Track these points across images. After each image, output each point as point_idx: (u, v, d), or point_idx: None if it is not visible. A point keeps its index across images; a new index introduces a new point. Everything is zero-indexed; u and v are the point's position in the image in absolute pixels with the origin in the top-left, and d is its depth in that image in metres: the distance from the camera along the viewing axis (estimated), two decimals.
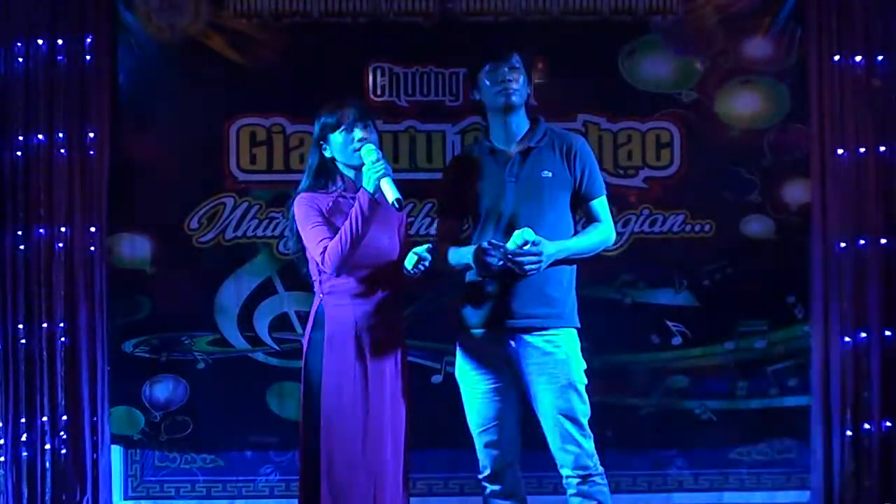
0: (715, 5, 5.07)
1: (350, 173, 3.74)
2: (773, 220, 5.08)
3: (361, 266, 3.69)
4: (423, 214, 5.00)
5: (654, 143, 5.10)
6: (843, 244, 4.99)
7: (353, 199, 3.65)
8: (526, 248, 3.54)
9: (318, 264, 3.69)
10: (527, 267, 3.57)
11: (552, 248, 3.61)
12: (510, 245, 3.55)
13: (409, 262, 3.64)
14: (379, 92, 5.08)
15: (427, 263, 3.63)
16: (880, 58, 5.00)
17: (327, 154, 3.77)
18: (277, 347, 5.09)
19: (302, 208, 3.72)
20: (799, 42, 5.06)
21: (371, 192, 3.57)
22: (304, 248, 3.76)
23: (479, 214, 3.76)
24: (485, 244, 3.60)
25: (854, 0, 5.01)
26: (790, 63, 5.07)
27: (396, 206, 3.53)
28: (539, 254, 3.57)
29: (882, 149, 5.01)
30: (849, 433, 4.99)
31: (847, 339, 5.00)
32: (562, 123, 4.75)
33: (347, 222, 3.59)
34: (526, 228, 3.55)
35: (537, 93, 4.93)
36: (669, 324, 5.08)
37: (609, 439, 4.74)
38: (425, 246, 3.63)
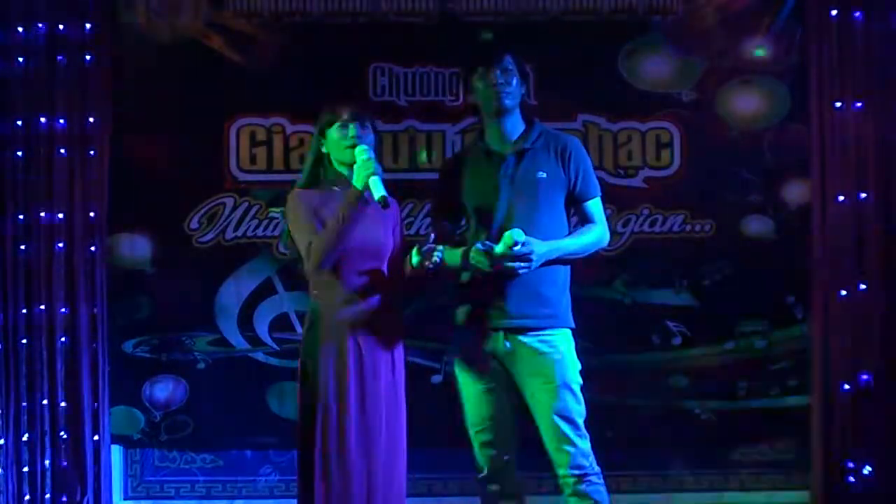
0: (715, 5, 5.07)
1: (344, 170, 3.76)
2: (773, 220, 5.08)
3: (355, 264, 3.70)
4: (423, 214, 5.00)
5: (654, 143, 5.10)
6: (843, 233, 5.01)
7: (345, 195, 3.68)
8: (516, 248, 3.55)
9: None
10: (516, 265, 3.58)
11: (543, 248, 3.62)
12: (500, 246, 3.56)
13: (415, 259, 3.64)
14: (379, 92, 5.08)
15: (439, 255, 3.61)
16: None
17: (324, 149, 3.80)
18: (277, 347, 5.09)
19: (293, 204, 3.76)
20: (799, 42, 5.06)
21: (360, 189, 3.60)
22: None
23: (474, 215, 3.77)
24: (479, 245, 3.61)
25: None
26: (790, 63, 5.07)
27: (382, 204, 3.55)
28: (529, 253, 3.58)
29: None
30: (849, 433, 4.99)
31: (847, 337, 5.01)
32: (562, 123, 4.77)
33: (333, 219, 3.62)
34: (516, 229, 3.56)
35: (537, 92, 4.94)
36: (669, 324, 5.07)
37: (609, 439, 4.75)
38: (428, 245, 3.62)
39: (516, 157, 3.75)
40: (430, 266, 3.61)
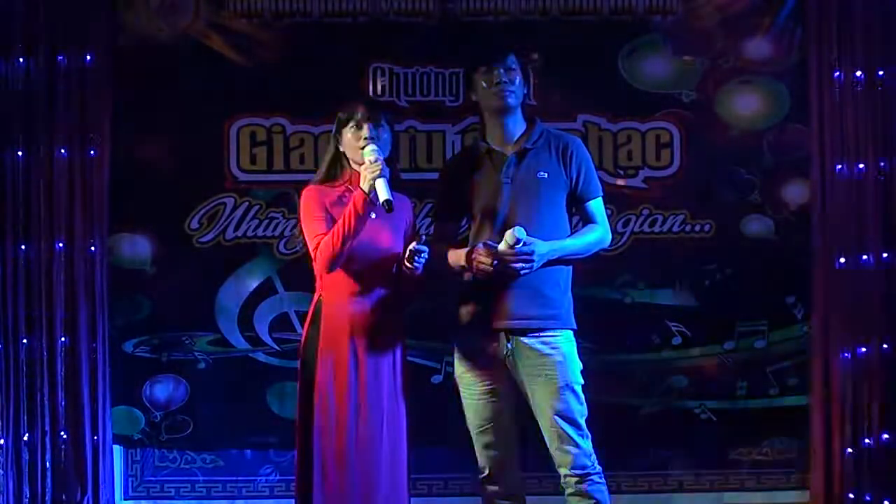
0: (715, 5, 5.07)
1: (359, 169, 3.77)
2: (772, 220, 5.08)
3: (361, 264, 3.71)
4: (423, 214, 5.00)
5: (655, 143, 5.10)
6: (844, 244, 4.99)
7: None
8: (518, 246, 3.55)
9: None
10: (518, 266, 3.58)
11: (545, 248, 3.62)
12: (502, 245, 3.56)
13: (406, 260, 3.66)
14: (379, 92, 5.08)
15: (424, 256, 3.63)
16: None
17: (341, 148, 3.81)
18: (278, 347, 5.09)
19: (305, 200, 3.79)
20: (799, 42, 5.06)
21: (366, 191, 3.60)
22: None
23: (475, 215, 3.77)
24: (480, 245, 3.61)
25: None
26: (790, 63, 5.08)
27: (385, 207, 3.55)
28: (531, 253, 3.58)
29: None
30: (848, 431, 4.98)
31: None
32: (562, 123, 4.76)
33: (341, 220, 3.63)
34: (518, 227, 3.56)
35: (537, 92, 4.94)
36: (669, 324, 5.08)
37: (609, 439, 4.75)
38: (414, 245, 3.64)
39: (517, 156, 3.75)
40: (410, 268, 3.63)
